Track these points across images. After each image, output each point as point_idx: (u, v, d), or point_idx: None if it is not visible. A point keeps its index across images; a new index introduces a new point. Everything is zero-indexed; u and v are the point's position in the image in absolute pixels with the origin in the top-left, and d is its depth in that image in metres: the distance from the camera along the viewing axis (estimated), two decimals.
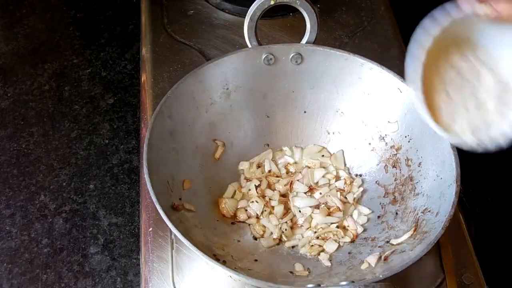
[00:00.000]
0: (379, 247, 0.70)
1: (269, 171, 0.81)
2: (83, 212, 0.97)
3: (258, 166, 0.82)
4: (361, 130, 0.80)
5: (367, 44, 0.97)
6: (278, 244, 0.75)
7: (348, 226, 0.75)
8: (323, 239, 0.74)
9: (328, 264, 0.71)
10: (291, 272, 0.70)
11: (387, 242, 0.70)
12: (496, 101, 0.62)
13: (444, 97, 0.62)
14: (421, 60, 0.58)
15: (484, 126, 0.62)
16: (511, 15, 0.55)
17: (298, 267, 0.71)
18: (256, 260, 0.71)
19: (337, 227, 0.75)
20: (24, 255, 0.92)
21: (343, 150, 0.82)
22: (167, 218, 0.62)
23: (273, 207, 0.77)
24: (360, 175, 0.80)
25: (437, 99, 0.62)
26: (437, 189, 0.68)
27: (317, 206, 0.77)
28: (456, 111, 0.62)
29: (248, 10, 0.77)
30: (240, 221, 0.76)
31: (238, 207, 0.77)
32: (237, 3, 1.01)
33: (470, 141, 0.62)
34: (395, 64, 0.95)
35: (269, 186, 0.79)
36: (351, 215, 0.76)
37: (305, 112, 0.82)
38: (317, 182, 0.80)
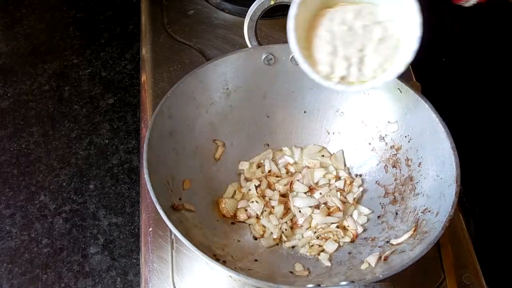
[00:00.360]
0: (379, 247, 0.70)
1: (269, 171, 0.81)
2: (83, 212, 0.97)
3: (258, 166, 0.82)
4: (361, 130, 0.80)
5: None
6: (278, 244, 0.75)
7: (348, 226, 0.75)
8: (323, 239, 0.74)
9: (328, 264, 0.71)
10: (291, 272, 0.70)
11: (387, 242, 0.70)
12: (378, 57, 0.65)
13: (330, 49, 0.64)
14: (293, 15, 0.62)
15: (360, 79, 0.66)
16: None
17: (298, 267, 0.71)
18: (256, 260, 0.71)
19: (337, 227, 0.75)
20: (24, 255, 0.92)
21: (343, 150, 0.82)
22: (167, 218, 0.62)
23: (273, 207, 0.77)
24: (360, 175, 0.80)
25: (322, 50, 0.65)
26: (437, 189, 0.68)
27: (317, 206, 0.77)
28: (337, 63, 0.65)
29: (248, 10, 0.77)
30: (240, 221, 0.76)
31: (238, 207, 0.77)
32: (237, 3, 1.01)
33: (341, 89, 0.66)
34: None
35: (269, 186, 0.79)
36: (351, 215, 0.76)
37: (305, 112, 0.82)
38: (317, 182, 0.80)
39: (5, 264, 0.91)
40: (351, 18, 0.64)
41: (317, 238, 0.74)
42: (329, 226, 0.75)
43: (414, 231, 0.67)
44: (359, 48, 0.64)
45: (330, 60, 0.65)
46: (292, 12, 0.61)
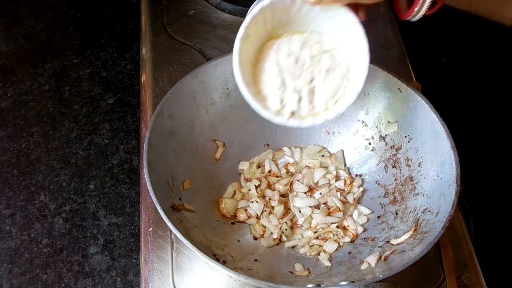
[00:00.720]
0: (379, 247, 0.70)
1: (269, 171, 0.81)
2: (83, 212, 0.97)
3: (258, 166, 0.82)
4: (361, 130, 0.80)
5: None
6: (278, 244, 0.75)
7: (348, 226, 0.75)
8: (323, 239, 0.74)
9: (328, 264, 0.71)
10: (291, 272, 0.70)
11: (387, 242, 0.70)
12: (328, 88, 0.64)
13: (278, 82, 0.63)
14: (237, 51, 0.60)
15: (312, 112, 0.64)
16: None
17: (298, 267, 0.71)
18: (256, 260, 0.71)
19: (337, 227, 0.75)
20: (24, 255, 0.92)
21: (343, 150, 0.82)
22: (167, 218, 0.62)
23: (273, 207, 0.77)
24: (360, 175, 0.80)
25: (270, 85, 0.63)
26: (437, 189, 0.68)
27: (317, 206, 0.77)
28: (287, 97, 0.63)
29: (248, 10, 0.77)
30: (240, 221, 0.76)
31: (238, 207, 0.77)
32: (237, 3, 1.01)
33: (294, 125, 0.64)
34: (395, 64, 0.96)
35: (269, 186, 0.79)
36: (351, 215, 0.76)
37: None
38: (317, 182, 0.80)
39: (5, 264, 0.91)
40: (297, 49, 0.63)
41: (317, 238, 0.74)
42: (329, 226, 0.75)
43: (414, 231, 0.67)
44: (309, 79, 0.63)
45: (279, 95, 0.63)
46: (235, 47, 0.59)
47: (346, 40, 0.62)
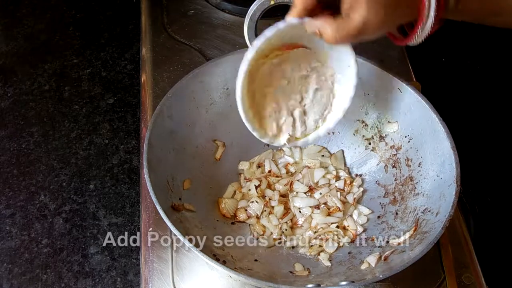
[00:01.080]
0: (379, 247, 0.70)
1: (269, 171, 0.81)
2: (83, 212, 0.97)
3: (258, 166, 0.82)
4: (361, 130, 0.80)
5: (367, 44, 0.96)
6: (278, 244, 0.75)
7: (348, 226, 0.75)
8: (323, 239, 0.74)
9: (328, 264, 0.71)
10: (291, 272, 0.70)
11: (387, 242, 0.70)
12: (317, 106, 0.66)
13: (274, 105, 0.65)
14: (243, 71, 0.60)
15: (304, 133, 0.68)
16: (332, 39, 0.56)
17: (298, 267, 0.71)
18: (256, 260, 0.71)
19: (337, 227, 0.75)
20: (24, 255, 0.92)
21: (343, 150, 0.82)
22: (167, 218, 0.62)
23: (273, 207, 0.77)
24: (360, 175, 0.80)
25: (266, 108, 0.65)
26: (437, 189, 0.68)
27: (317, 206, 0.77)
28: (282, 120, 0.66)
29: (248, 10, 0.77)
30: (240, 221, 0.76)
31: (238, 207, 0.77)
32: (237, 3, 1.01)
33: (289, 145, 0.68)
34: (395, 64, 0.96)
35: (269, 186, 0.79)
36: (351, 215, 0.76)
37: None
38: (317, 182, 0.80)
39: (5, 264, 0.91)
40: (289, 70, 0.64)
41: (317, 238, 0.74)
42: (329, 226, 0.75)
43: (414, 231, 0.67)
44: (299, 99, 0.65)
45: (275, 118, 0.65)
46: (239, 81, 0.60)
47: (336, 60, 0.63)
